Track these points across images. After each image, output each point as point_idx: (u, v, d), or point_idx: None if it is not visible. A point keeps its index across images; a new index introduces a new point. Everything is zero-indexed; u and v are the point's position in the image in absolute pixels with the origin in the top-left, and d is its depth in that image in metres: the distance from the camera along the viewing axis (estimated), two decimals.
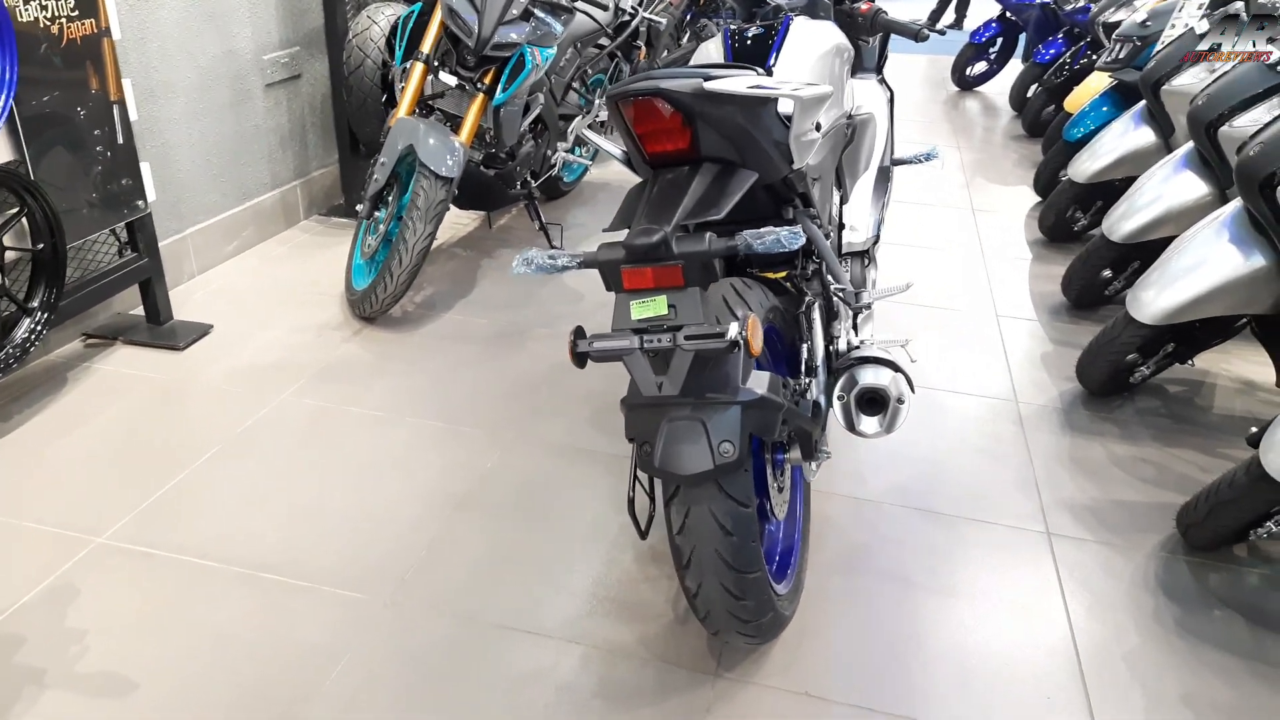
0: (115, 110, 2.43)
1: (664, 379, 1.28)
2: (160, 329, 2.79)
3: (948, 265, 3.60)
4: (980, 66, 6.93)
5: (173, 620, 1.73)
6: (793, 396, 1.50)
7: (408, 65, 2.90)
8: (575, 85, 3.81)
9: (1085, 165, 3.51)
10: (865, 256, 2.18)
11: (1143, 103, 3.53)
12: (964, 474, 2.26)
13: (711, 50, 1.98)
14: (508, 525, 2.03)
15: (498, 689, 1.61)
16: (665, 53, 4.85)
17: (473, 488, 2.15)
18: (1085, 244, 3.21)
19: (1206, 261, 2.24)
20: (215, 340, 2.78)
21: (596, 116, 1.86)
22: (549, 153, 3.61)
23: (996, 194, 4.54)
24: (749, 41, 1.94)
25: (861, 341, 1.81)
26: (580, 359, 1.30)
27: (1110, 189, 3.59)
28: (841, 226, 2.12)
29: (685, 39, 5.16)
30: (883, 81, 2.45)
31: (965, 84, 6.93)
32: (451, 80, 2.87)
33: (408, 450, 2.28)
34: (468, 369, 2.68)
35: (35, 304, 2.23)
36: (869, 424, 1.58)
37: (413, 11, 2.95)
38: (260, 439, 2.30)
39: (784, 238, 1.23)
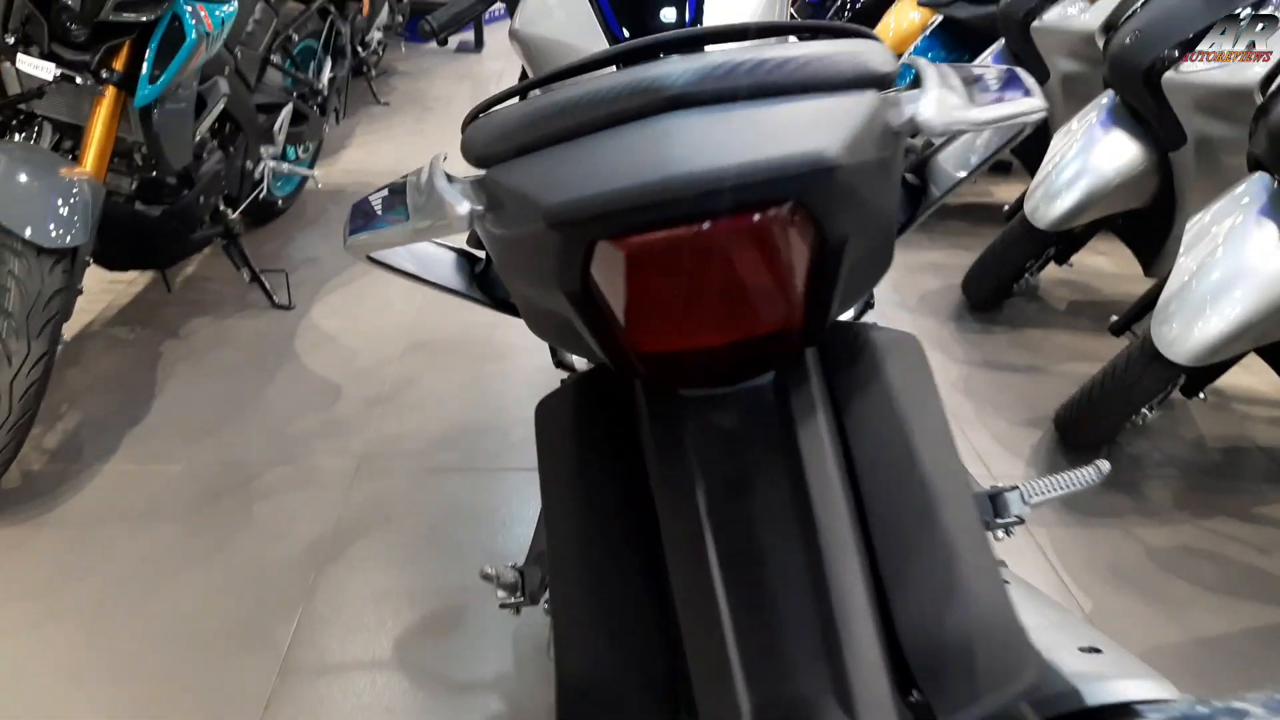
0: None
1: None
2: None
3: None
4: None
5: None
6: None
7: None
8: (274, 59, 2.60)
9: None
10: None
11: (1000, 44, 2.94)
12: None
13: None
14: None
15: None
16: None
17: None
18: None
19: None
20: None
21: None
22: (248, 164, 2.41)
23: None
24: None
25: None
26: None
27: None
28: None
29: None
30: None
31: None
32: (46, 71, 1.63)
33: None
34: (154, 590, 1.51)
35: None
36: None
37: None
38: None
39: None
